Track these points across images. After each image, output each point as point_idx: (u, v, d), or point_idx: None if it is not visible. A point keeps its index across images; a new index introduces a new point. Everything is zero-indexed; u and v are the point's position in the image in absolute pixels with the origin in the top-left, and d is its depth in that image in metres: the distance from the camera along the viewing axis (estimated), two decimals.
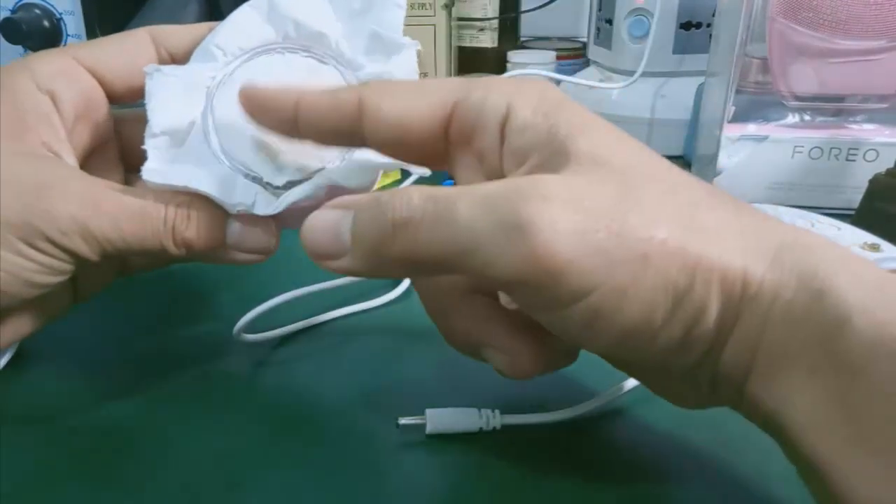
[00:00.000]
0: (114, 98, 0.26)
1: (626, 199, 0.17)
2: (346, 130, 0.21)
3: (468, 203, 0.17)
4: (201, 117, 0.24)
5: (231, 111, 0.24)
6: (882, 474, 0.15)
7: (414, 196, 0.18)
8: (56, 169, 0.23)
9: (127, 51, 0.26)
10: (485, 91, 0.20)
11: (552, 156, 0.18)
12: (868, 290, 0.16)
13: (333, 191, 0.24)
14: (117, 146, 0.28)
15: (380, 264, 0.19)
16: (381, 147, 0.21)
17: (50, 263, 0.22)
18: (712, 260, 0.17)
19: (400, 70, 0.25)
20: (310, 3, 0.25)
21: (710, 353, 0.18)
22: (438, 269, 0.18)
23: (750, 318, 0.17)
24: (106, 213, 0.22)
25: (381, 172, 0.23)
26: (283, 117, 0.21)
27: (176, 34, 0.26)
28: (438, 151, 0.21)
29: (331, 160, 0.24)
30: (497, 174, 0.20)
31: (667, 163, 0.19)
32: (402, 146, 0.21)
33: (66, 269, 0.23)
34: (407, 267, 0.19)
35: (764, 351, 0.17)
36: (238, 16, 0.25)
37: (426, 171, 0.23)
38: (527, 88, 0.20)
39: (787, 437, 0.17)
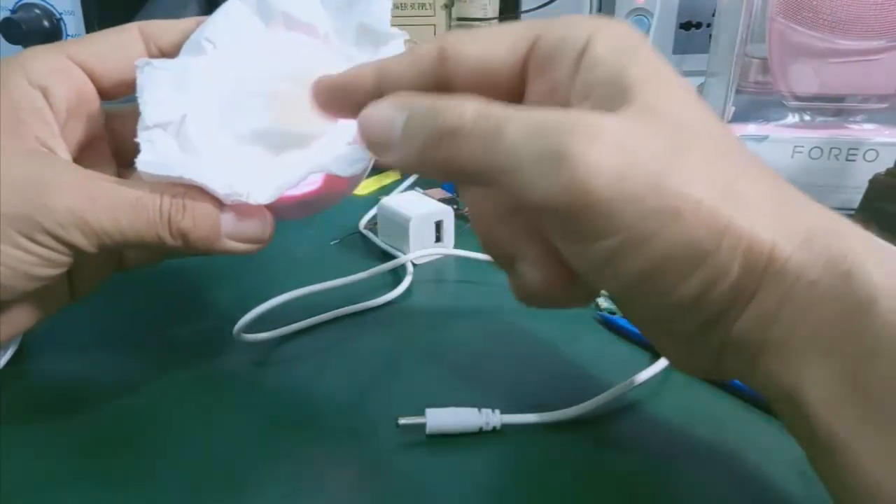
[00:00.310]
0: (104, 93, 0.26)
1: (672, 154, 0.17)
2: (430, 82, 0.21)
3: (517, 125, 0.17)
4: (193, 110, 0.25)
5: (223, 105, 0.25)
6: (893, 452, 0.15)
7: (468, 109, 0.18)
8: (52, 164, 0.23)
9: (117, 46, 0.26)
10: (567, 25, 0.20)
11: (616, 95, 0.18)
12: (894, 277, 0.16)
13: (329, 179, 0.24)
14: (109, 141, 0.28)
15: (423, 165, 0.20)
16: (465, 88, 0.21)
17: (49, 256, 0.22)
18: (743, 228, 0.17)
19: None
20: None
21: (723, 317, 0.18)
22: (477, 181, 0.19)
23: (771, 292, 0.17)
24: (103, 205, 0.22)
25: (372, 160, 0.24)
26: (365, 94, 0.22)
27: (165, 29, 0.26)
28: (516, 87, 0.21)
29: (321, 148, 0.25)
30: (564, 106, 0.20)
31: (725, 128, 0.19)
32: (485, 84, 0.21)
33: (65, 261, 0.23)
34: (448, 173, 0.20)
35: (782, 326, 0.17)
36: (227, 8, 0.26)
37: None
38: (609, 27, 0.20)
39: (802, 415, 0.17)
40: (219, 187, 0.23)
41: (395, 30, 0.25)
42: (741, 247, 0.17)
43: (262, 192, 0.23)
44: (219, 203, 0.24)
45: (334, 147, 0.24)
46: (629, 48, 0.19)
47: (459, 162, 0.18)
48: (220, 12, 0.26)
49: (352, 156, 0.24)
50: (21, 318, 0.25)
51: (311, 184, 0.24)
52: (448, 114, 0.18)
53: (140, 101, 0.24)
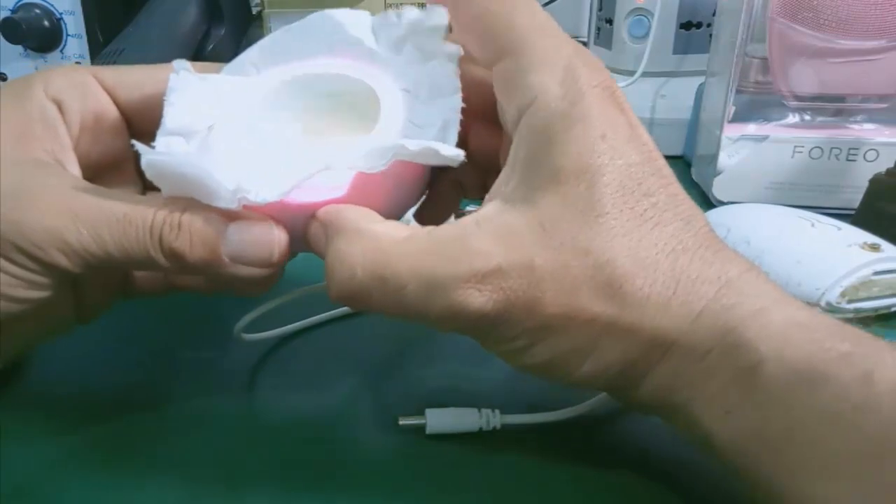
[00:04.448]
0: (133, 123, 0.25)
1: (554, 277, 0.19)
2: None
3: (418, 286, 0.20)
4: (221, 124, 0.23)
5: (253, 120, 0.23)
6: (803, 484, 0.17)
7: (357, 270, 0.20)
8: (42, 177, 0.22)
9: (152, 77, 0.25)
10: (529, 67, 0.21)
11: (530, 185, 0.20)
12: (775, 339, 0.18)
13: (356, 187, 0.22)
14: (135, 164, 0.27)
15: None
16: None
17: (28, 277, 0.21)
18: (625, 325, 0.19)
19: (440, 72, 0.23)
20: (348, 29, 0.24)
21: (623, 388, 0.21)
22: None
23: (665, 367, 0.20)
24: (85, 221, 0.20)
25: (393, 155, 0.21)
26: None
27: (208, 71, 0.25)
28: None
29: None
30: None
31: (645, 191, 0.20)
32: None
33: (48, 283, 0.21)
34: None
35: (683, 393, 0.20)
36: (273, 38, 0.25)
37: (461, 154, 0.21)
38: (557, 82, 0.20)
39: (717, 458, 0.20)
40: (226, 186, 0.20)
41: (449, 45, 0.23)
42: (624, 341, 0.20)
43: (272, 189, 0.21)
44: (221, 222, 0.21)
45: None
46: (563, 117, 0.20)
47: (374, 310, 0.21)
48: (267, 39, 0.25)
49: (377, 150, 0.21)
50: (19, 338, 0.24)
51: (334, 189, 0.22)
52: (337, 279, 0.20)
53: (166, 101, 0.22)
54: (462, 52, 0.23)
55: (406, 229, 0.21)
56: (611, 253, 0.19)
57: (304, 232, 0.22)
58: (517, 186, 0.20)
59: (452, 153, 0.21)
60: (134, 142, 0.21)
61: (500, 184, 0.21)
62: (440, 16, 0.23)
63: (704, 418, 0.19)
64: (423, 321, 0.20)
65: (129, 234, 0.21)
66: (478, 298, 0.19)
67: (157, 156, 0.20)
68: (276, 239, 0.22)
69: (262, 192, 0.20)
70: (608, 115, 0.20)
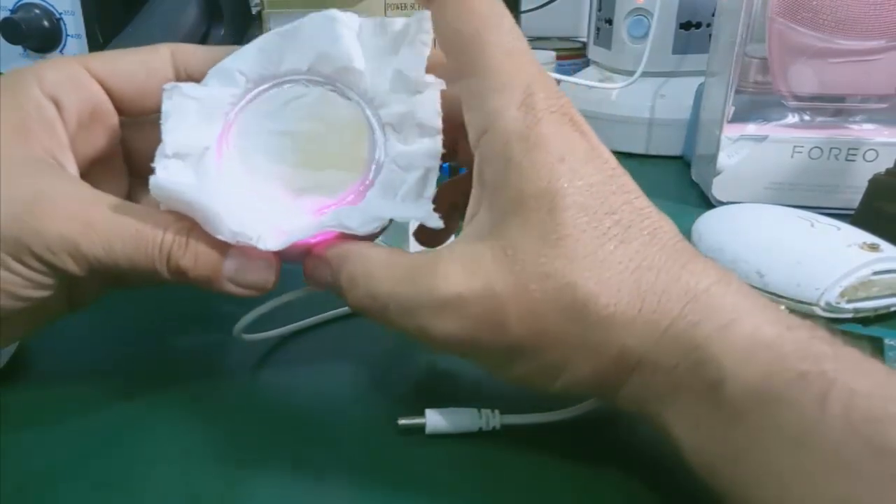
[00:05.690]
0: (124, 111, 0.25)
1: (520, 300, 0.20)
2: None
3: (395, 307, 0.22)
4: (216, 144, 0.24)
5: (246, 143, 0.24)
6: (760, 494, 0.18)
7: (360, 289, 0.22)
8: (53, 180, 0.22)
9: (144, 65, 0.25)
10: (481, 94, 0.21)
11: (494, 214, 0.21)
12: (738, 356, 0.19)
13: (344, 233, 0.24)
14: (124, 153, 0.27)
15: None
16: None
17: (36, 278, 0.22)
18: (591, 345, 0.20)
19: (423, 109, 0.24)
20: (337, 36, 0.25)
21: (603, 396, 0.22)
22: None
23: (635, 381, 0.20)
24: (98, 232, 0.22)
25: (388, 221, 0.23)
26: None
27: (197, 54, 0.26)
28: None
29: (343, 199, 0.24)
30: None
31: (607, 210, 0.20)
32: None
33: (52, 283, 0.22)
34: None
35: (652, 404, 0.21)
36: (263, 41, 0.25)
37: (439, 224, 0.23)
38: (512, 110, 0.21)
39: (691, 466, 0.20)
40: (228, 225, 0.22)
41: (432, 77, 0.24)
42: (593, 358, 0.20)
43: (272, 238, 0.23)
44: (224, 244, 0.23)
45: (355, 200, 0.24)
46: (521, 141, 0.20)
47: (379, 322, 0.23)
48: (255, 45, 0.25)
49: (371, 213, 0.23)
50: (15, 329, 0.24)
51: (326, 234, 0.24)
52: (348, 296, 0.23)
53: (163, 128, 0.23)
54: (444, 86, 0.24)
55: (395, 254, 0.22)
56: (573, 275, 0.20)
57: (296, 262, 0.24)
58: (484, 212, 0.21)
59: (434, 224, 0.23)
60: (151, 178, 0.22)
61: (472, 208, 0.22)
62: (426, 28, 0.24)
63: (675, 428, 0.20)
64: (409, 337, 0.22)
65: (139, 249, 0.22)
66: (440, 323, 0.21)
67: (165, 183, 0.22)
68: (272, 269, 0.24)
69: (263, 240, 0.23)
70: (566, 138, 0.21)
